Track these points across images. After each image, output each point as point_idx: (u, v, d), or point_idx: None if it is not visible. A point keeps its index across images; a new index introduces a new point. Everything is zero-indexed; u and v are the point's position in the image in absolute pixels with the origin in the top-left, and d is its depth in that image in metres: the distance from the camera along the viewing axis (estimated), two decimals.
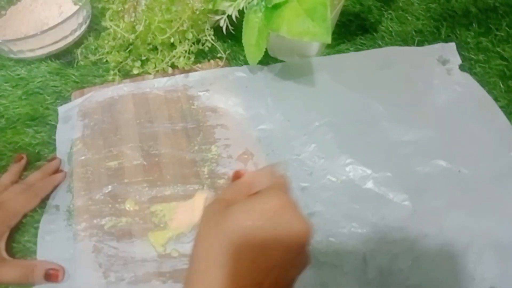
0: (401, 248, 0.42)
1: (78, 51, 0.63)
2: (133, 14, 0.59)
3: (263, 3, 0.52)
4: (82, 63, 0.63)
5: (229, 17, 0.53)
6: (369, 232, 0.43)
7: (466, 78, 0.55)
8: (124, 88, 0.58)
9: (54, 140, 0.56)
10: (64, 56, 0.65)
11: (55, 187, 0.50)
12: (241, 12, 0.54)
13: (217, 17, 0.54)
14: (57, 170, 0.52)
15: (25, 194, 0.48)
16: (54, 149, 0.55)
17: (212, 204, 0.32)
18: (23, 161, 0.53)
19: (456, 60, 0.57)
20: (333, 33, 0.61)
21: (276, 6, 0.49)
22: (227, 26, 0.54)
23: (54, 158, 0.53)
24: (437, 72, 0.56)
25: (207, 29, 0.58)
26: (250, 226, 0.29)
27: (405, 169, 0.47)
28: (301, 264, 0.31)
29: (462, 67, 0.57)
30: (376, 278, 0.41)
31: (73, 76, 0.62)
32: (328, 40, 0.46)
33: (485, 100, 0.53)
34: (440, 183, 0.46)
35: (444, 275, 0.40)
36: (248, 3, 0.52)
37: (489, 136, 0.49)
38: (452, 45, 0.59)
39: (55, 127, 0.57)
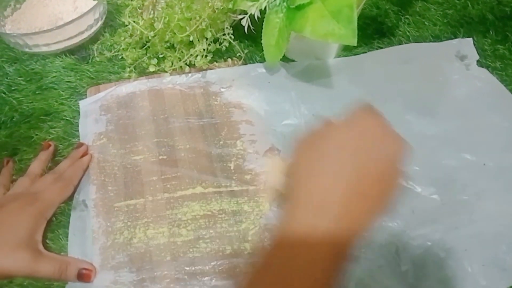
0: (432, 240, 0.43)
1: (94, 47, 0.63)
2: (152, 12, 0.58)
3: (285, 3, 0.52)
4: (97, 59, 0.62)
5: (251, 16, 0.53)
6: (400, 225, 0.44)
7: (485, 73, 0.56)
8: (147, 83, 0.58)
9: (69, 135, 0.55)
10: (79, 51, 0.64)
11: (85, 171, 0.50)
12: (261, 12, 0.53)
13: (240, 17, 0.54)
14: (84, 155, 0.52)
15: (58, 183, 0.47)
16: (69, 145, 0.55)
17: (309, 133, 0.36)
18: (51, 149, 0.52)
19: (473, 55, 0.58)
20: None
21: (299, 7, 0.49)
22: (248, 26, 0.54)
23: (81, 144, 0.52)
24: (456, 67, 0.57)
25: (226, 27, 0.58)
26: (351, 147, 0.32)
27: (431, 162, 0.48)
28: (397, 178, 0.33)
29: (479, 63, 0.58)
30: (410, 270, 0.41)
31: (88, 72, 0.61)
32: (354, 42, 0.46)
33: (505, 94, 0.54)
34: (466, 176, 0.47)
35: (477, 265, 0.41)
36: (270, 3, 0.52)
37: (511, 129, 0.50)
38: (469, 40, 0.60)
39: (70, 122, 0.57)
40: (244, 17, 0.53)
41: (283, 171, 0.38)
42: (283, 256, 0.30)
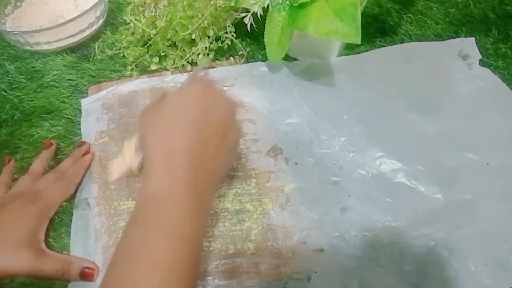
0: (435, 240, 0.43)
1: (95, 45, 0.62)
2: (154, 10, 0.58)
3: (288, 1, 0.52)
4: (98, 57, 0.62)
5: (254, 14, 0.53)
6: (403, 225, 0.44)
7: (487, 72, 0.56)
8: (149, 82, 0.58)
9: (71, 133, 0.55)
10: (80, 49, 0.64)
11: (87, 170, 0.50)
12: (264, 10, 0.53)
13: (242, 15, 0.54)
14: (86, 154, 0.52)
15: (60, 182, 0.47)
16: (71, 143, 0.54)
17: (146, 106, 0.41)
18: (53, 147, 0.52)
19: (476, 55, 0.58)
20: None
21: (302, 5, 0.49)
22: (251, 24, 0.54)
23: (83, 143, 0.52)
24: (459, 66, 0.57)
25: (228, 26, 0.58)
26: (187, 104, 0.37)
27: (434, 162, 0.48)
28: (235, 134, 0.39)
29: (482, 62, 0.58)
30: (413, 270, 0.41)
31: (89, 70, 0.61)
32: (358, 40, 0.46)
33: (507, 93, 0.54)
34: (470, 175, 0.47)
35: (480, 265, 0.41)
36: (273, 1, 0.52)
37: None
38: (472, 39, 0.60)
39: (71, 120, 0.56)
40: (246, 15, 0.53)
41: (136, 149, 0.43)
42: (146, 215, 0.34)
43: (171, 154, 0.35)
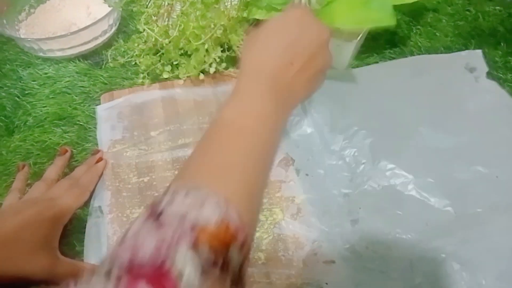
0: (446, 253, 0.43)
1: (108, 52, 0.63)
2: (167, 19, 0.59)
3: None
4: (111, 64, 0.63)
5: None
6: (414, 238, 0.44)
7: (494, 85, 0.56)
8: (161, 91, 0.59)
9: (83, 140, 0.56)
10: (92, 57, 0.65)
11: (100, 177, 0.51)
12: None
13: None
14: (99, 161, 0.53)
15: (75, 189, 0.48)
16: (83, 150, 0.55)
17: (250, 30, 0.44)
18: (68, 154, 0.53)
19: (483, 68, 0.58)
20: (362, 46, 0.61)
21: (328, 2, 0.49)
22: None
23: (97, 151, 0.53)
24: (467, 79, 0.57)
25: (240, 36, 0.59)
26: (283, 27, 0.39)
27: (445, 174, 0.48)
28: (324, 59, 0.40)
29: (490, 75, 0.58)
30: (424, 283, 0.42)
31: (101, 78, 0.62)
32: (393, 21, 0.46)
33: None
34: (480, 189, 0.47)
35: (490, 279, 0.41)
36: None
37: None
38: (478, 52, 0.60)
39: (84, 127, 0.57)
40: None
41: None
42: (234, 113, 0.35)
43: (258, 70, 0.37)
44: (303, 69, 0.38)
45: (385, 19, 0.46)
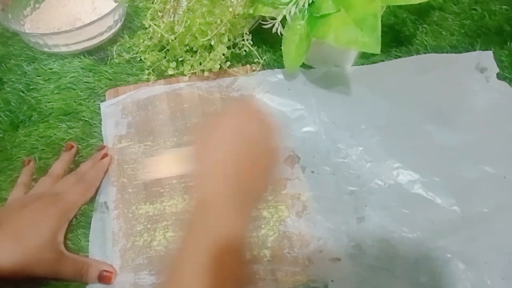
0: (452, 252, 0.43)
1: (113, 48, 0.63)
2: (173, 15, 0.59)
3: (306, 11, 0.52)
4: (116, 60, 0.62)
5: (284, 20, 0.53)
6: (420, 236, 0.44)
7: (504, 86, 0.56)
8: (166, 87, 0.58)
9: (88, 135, 0.56)
10: (97, 52, 0.65)
11: (106, 172, 0.51)
12: (283, 19, 0.53)
13: (271, 22, 0.53)
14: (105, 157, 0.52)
15: (81, 185, 0.48)
16: (88, 145, 0.55)
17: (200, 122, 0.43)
18: (74, 150, 0.53)
19: (493, 68, 0.58)
20: None
21: (323, 15, 0.50)
22: (276, 30, 0.53)
23: (103, 147, 0.53)
24: (476, 79, 0.57)
25: (246, 33, 0.58)
26: (222, 131, 0.37)
27: (451, 174, 0.48)
28: (267, 158, 0.38)
29: (497, 75, 0.58)
30: (429, 282, 0.42)
31: (106, 73, 0.62)
32: (378, 50, 0.46)
33: None
34: (487, 188, 0.47)
35: (496, 278, 0.41)
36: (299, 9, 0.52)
37: None
38: (489, 53, 0.60)
39: (89, 123, 0.57)
40: (270, 23, 0.53)
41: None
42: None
43: (211, 169, 0.36)
44: (250, 170, 0.36)
45: (371, 46, 0.46)
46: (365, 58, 0.62)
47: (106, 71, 0.62)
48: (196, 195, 0.36)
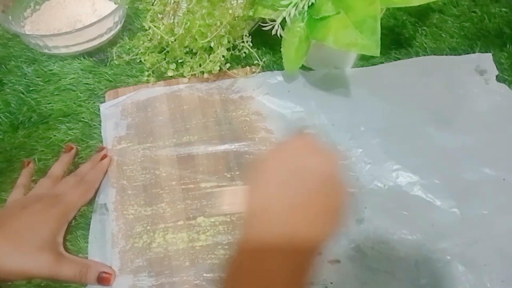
0: (452, 254, 0.43)
1: (113, 50, 0.63)
2: (173, 17, 0.59)
3: (306, 13, 0.52)
4: (116, 62, 0.62)
5: (283, 22, 0.53)
6: (420, 238, 0.44)
7: (504, 88, 0.56)
8: (166, 89, 0.58)
9: (87, 137, 0.56)
10: (97, 54, 0.65)
11: (105, 174, 0.51)
12: (282, 20, 0.53)
13: (271, 23, 0.53)
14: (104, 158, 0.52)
15: (80, 186, 0.48)
16: (87, 147, 0.55)
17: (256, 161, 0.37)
18: (73, 151, 0.53)
19: (493, 70, 0.58)
20: None
21: (322, 17, 0.50)
22: (275, 32, 0.53)
23: (102, 148, 0.53)
24: (476, 81, 0.57)
25: (245, 35, 0.58)
26: (285, 163, 0.35)
27: (451, 176, 0.48)
28: (339, 190, 0.34)
29: (497, 77, 0.58)
30: (429, 284, 0.42)
31: (106, 75, 0.62)
32: (377, 53, 0.46)
33: None
34: (486, 190, 0.47)
35: (496, 281, 0.41)
36: (299, 11, 0.52)
37: None
38: (489, 55, 0.60)
39: (88, 124, 0.57)
40: (269, 24, 0.53)
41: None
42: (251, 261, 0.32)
43: (271, 216, 0.33)
44: (311, 212, 0.32)
45: (371, 49, 0.46)
46: (365, 60, 0.62)
47: (106, 73, 0.62)
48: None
